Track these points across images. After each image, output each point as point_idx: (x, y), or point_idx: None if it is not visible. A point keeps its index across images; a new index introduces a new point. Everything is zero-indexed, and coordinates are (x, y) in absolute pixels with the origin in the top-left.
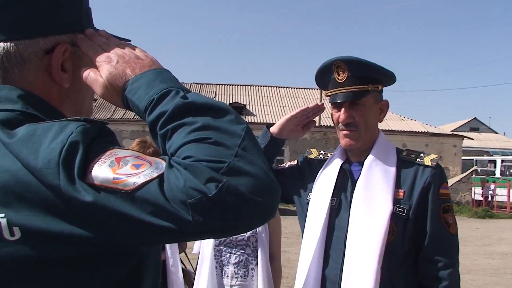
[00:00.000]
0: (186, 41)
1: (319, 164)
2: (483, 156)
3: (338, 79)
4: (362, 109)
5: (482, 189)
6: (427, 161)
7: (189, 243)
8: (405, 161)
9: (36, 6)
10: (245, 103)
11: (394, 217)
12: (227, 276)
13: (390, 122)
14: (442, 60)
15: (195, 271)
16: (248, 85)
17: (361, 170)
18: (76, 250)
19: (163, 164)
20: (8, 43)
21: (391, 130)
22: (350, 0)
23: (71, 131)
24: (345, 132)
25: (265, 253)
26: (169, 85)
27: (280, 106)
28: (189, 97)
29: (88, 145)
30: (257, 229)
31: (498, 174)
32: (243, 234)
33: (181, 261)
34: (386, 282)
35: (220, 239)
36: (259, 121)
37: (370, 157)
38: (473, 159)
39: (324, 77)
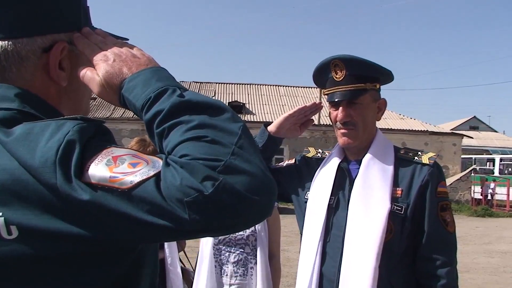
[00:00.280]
0: (185, 40)
1: (317, 162)
2: (482, 155)
3: (336, 77)
4: (360, 107)
5: (481, 188)
6: (425, 159)
7: (190, 243)
8: (403, 159)
9: (34, 4)
10: (244, 102)
11: (392, 215)
12: (226, 275)
13: (389, 120)
14: (442, 59)
15: (194, 270)
16: (248, 84)
17: (359, 168)
18: (74, 249)
19: (160, 162)
20: (6, 42)
21: (391, 128)
22: None
23: (68, 129)
24: (343, 130)
25: (264, 252)
26: (165, 83)
27: (280, 105)
28: (186, 96)
29: (85, 144)
30: (256, 228)
31: (496, 173)
32: (242, 233)
33: (180, 260)
34: (384, 280)
35: (219, 238)
36: (258, 120)
37: (368, 156)
38: (472, 157)
39: (322, 76)
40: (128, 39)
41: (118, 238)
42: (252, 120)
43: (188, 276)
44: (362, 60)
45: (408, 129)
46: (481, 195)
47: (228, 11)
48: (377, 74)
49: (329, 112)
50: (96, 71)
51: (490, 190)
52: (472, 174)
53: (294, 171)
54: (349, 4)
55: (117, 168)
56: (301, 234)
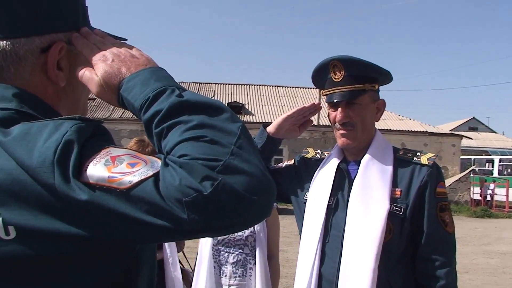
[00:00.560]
0: (185, 40)
1: (316, 163)
2: (481, 155)
3: (335, 78)
4: (359, 108)
5: (480, 189)
6: (424, 160)
7: (189, 243)
8: (401, 160)
9: (32, 4)
10: (243, 103)
11: (391, 216)
12: (225, 275)
13: (388, 121)
14: (441, 60)
15: (193, 270)
16: (247, 85)
17: (358, 169)
18: (73, 249)
19: (159, 162)
20: (4, 41)
21: (390, 129)
22: None
23: (66, 129)
24: (341, 131)
25: (263, 252)
26: (164, 83)
27: (279, 106)
28: (184, 96)
29: (83, 144)
30: (255, 228)
31: (496, 174)
32: (241, 234)
33: (179, 261)
34: (383, 281)
35: (219, 239)
36: (257, 121)
37: (367, 156)
38: (471, 158)
39: (320, 77)
40: (126, 39)
41: (117, 238)
42: (252, 120)
43: (187, 277)
44: (360, 60)
45: (407, 129)
46: (480, 196)
47: (228, 11)
48: (376, 74)
49: (328, 113)
50: (95, 71)
51: (489, 191)
52: (471, 175)
53: (293, 172)
54: (349, 4)
55: (116, 168)
56: (300, 235)
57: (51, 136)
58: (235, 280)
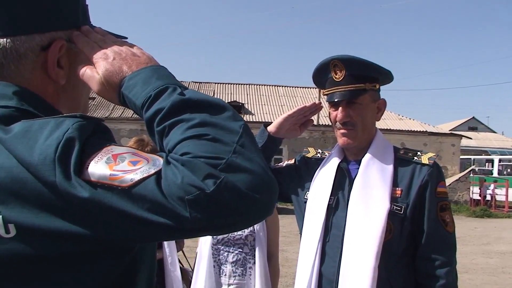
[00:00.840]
0: (185, 39)
1: (317, 163)
2: (481, 155)
3: (335, 78)
4: (359, 108)
5: (480, 189)
6: (425, 159)
7: (188, 242)
8: (402, 159)
9: (33, 2)
10: (243, 102)
11: (392, 215)
12: (225, 274)
13: (388, 121)
14: (441, 59)
15: (192, 269)
16: (247, 84)
17: (358, 168)
18: (73, 248)
19: (161, 160)
20: (4, 39)
21: (390, 129)
22: None
23: (67, 127)
24: (342, 131)
25: (263, 252)
26: (166, 82)
27: (279, 105)
28: (186, 94)
29: (84, 142)
30: (255, 227)
31: (495, 174)
32: (240, 233)
33: (179, 260)
34: (383, 280)
35: (218, 238)
36: (257, 120)
37: (368, 156)
38: (471, 158)
39: (321, 76)
40: (127, 38)
41: (118, 237)
42: (251, 120)
43: (186, 276)
44: (361, 60)
45: (407, 129)
46: (480, 195)
47: (228, 10)
48: (377, 74)
49: (329, 113)
50: (96, 69)
51: (490, 192)
52: (471, 175)
53: (294, 171)
54: (348, 4)
55: (117, 166)
56: (301, 234)
57: (52, 134)
58: (234, 279)
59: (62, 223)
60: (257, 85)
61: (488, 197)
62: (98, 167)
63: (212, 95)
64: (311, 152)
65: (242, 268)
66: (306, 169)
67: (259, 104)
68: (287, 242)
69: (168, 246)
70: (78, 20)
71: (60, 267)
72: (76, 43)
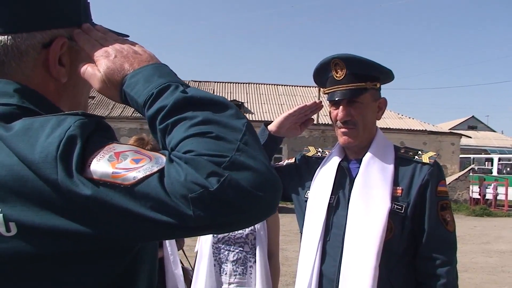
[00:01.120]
0: (184, 38)
1: (317, 162)
2: (481, 154)
3: (336, 76)
4: (360, 106)
5: (479, 188)
6: (425, 158)
7: (188, 241)
8: (403, 158)
9: None
10: (243, 101)
11: (392, 214)
12: (226, 273)
13: (388, 120)
14: (441, 58)
15: (193, 268)
16: (246, 83)
17: (359, 167)
18: (75, 247)
19: (163, 158)
20: (6, 36)
21: (389, 128)
22: None
23: (69, 125)
24: (343, 129)
25: (263, 250)
26: (168, 79)
27: (278, 104)
28: (189, 92)
29: (86, 139)
30: (256, 226)
31: (495, 173)
32: (241, 232)
33: (179, 260)
34: (384, 279)
35: (219, 237)
36: (257, 119)
37: (368, 155)
38: (470, 157)
39: (322, 75)
40: (128, 36)
41: (120, 236)
42: (251, 119)
43: (187, 275)
44: (362, 59)
45: (406, 128)
46: (479, 194)
47: (227, 9)
48: (378, 73)
49: (330, 111)
50: (97, 67)
51: (491, 191)
52: (471, 174)
53: (294, 170)
54: (348, 3)
55: (120, 164)
56: (301, 233)
57: (53, 131)
58: (235, 278)
59: (63, 221)
60: (256, 84)
61: (490, 196)
62: (100, 165)
63: None
64: (312, 151)
65: (242, 267)
66: (307, 168)
67: (258, 103)
68: (287, 241)
69: (170, 245)
70: (80, 18)
71: (61, 266)
72: (77, 41)
